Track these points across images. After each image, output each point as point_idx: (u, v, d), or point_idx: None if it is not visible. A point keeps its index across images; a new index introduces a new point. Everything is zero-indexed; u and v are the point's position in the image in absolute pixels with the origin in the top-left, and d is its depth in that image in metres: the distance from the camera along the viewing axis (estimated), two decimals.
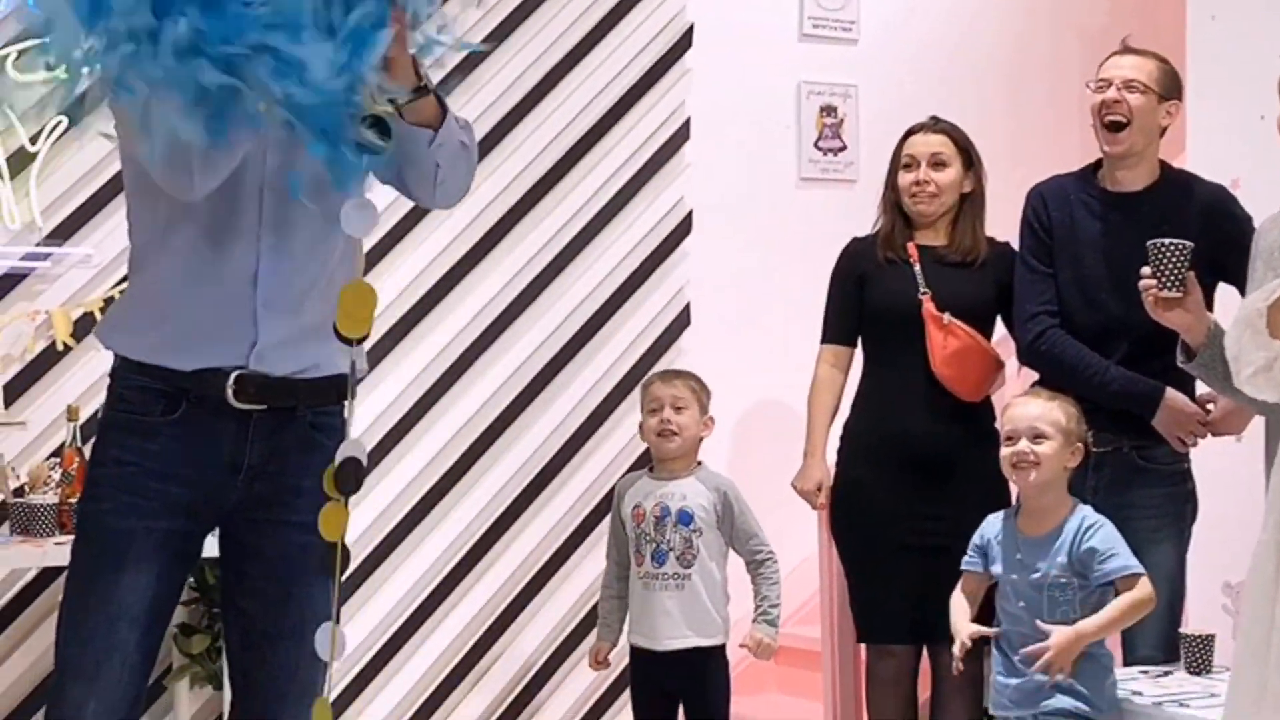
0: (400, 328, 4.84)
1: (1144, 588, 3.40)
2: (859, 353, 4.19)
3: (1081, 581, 3.43)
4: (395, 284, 4.79)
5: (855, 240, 4.21)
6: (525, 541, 5.01)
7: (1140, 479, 3.77)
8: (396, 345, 4.83)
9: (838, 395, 4.16)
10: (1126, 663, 3.80)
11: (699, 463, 4.09)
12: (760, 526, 4.06)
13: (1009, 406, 3.63)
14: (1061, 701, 3.40)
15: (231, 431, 2.57)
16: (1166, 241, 3.24)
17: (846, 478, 4.09)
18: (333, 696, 2.47)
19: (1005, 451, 3.53)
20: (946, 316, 3.96)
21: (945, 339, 3.97)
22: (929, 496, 3.93)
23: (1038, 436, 3.48)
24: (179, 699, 4.44)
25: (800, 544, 4.66)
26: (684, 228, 5.25)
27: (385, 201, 3.11)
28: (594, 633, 4.29)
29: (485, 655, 4.97)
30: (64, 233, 4.39)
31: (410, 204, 3.50)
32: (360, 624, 4.75)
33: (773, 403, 5.16)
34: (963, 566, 3.64)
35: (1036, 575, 3.46)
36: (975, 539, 3.63)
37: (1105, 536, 3.43)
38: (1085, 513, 3.48)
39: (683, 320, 5.24)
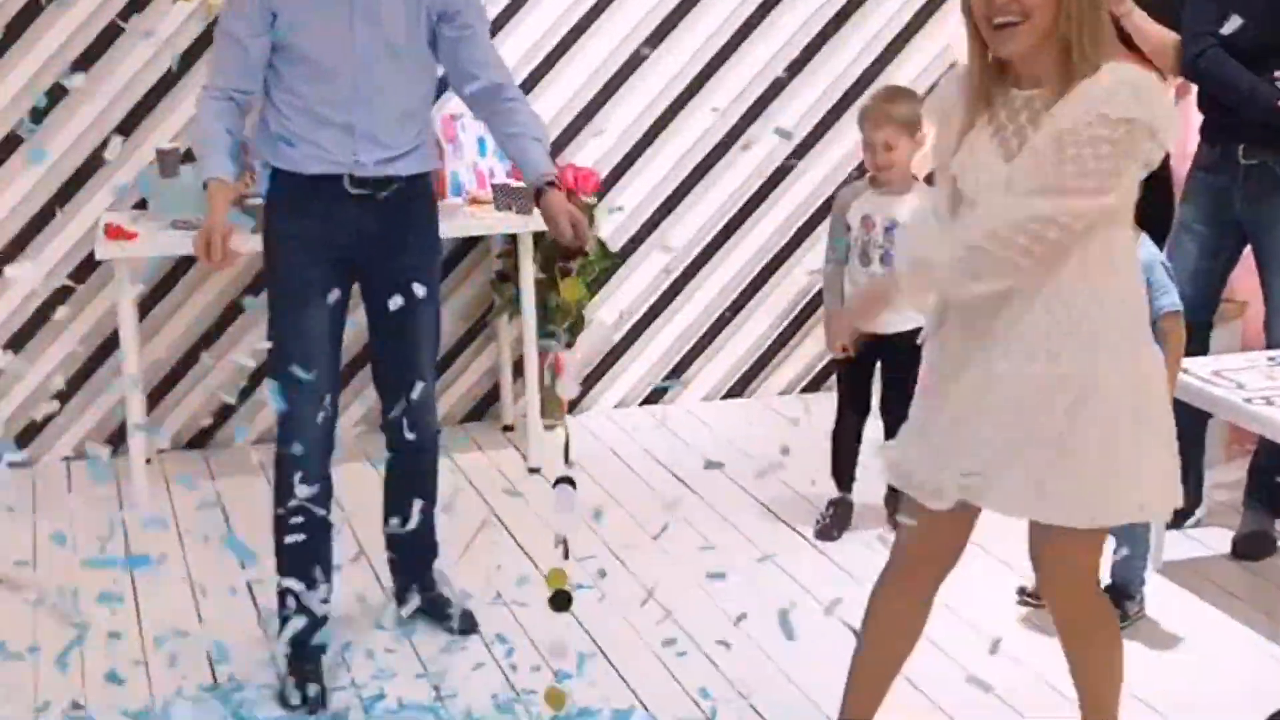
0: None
1: (1181, 325, 3.71)
2: None
3: None
4: None
5: None
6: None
7: None
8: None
9: None
10: (1268, 344, 4.30)
11: (915, 178, 4.56)
12: None
13: None
14: None
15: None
16: None
17: None
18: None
19: None
20: None
21: None
22: None
23: None
24: (500, 329, 5.58)
25: None
26: None
27: None
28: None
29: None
30: None
31: None
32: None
33: None
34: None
35: None
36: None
37: (1158, 275, 3.69)
38: (1145, 248, 3.68)
39: None
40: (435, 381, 3.91)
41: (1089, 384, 2.78)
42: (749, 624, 3.80)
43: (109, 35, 5.12)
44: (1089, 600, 3.05)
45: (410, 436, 3.72)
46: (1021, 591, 4.01)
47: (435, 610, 3.96)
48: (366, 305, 3.79)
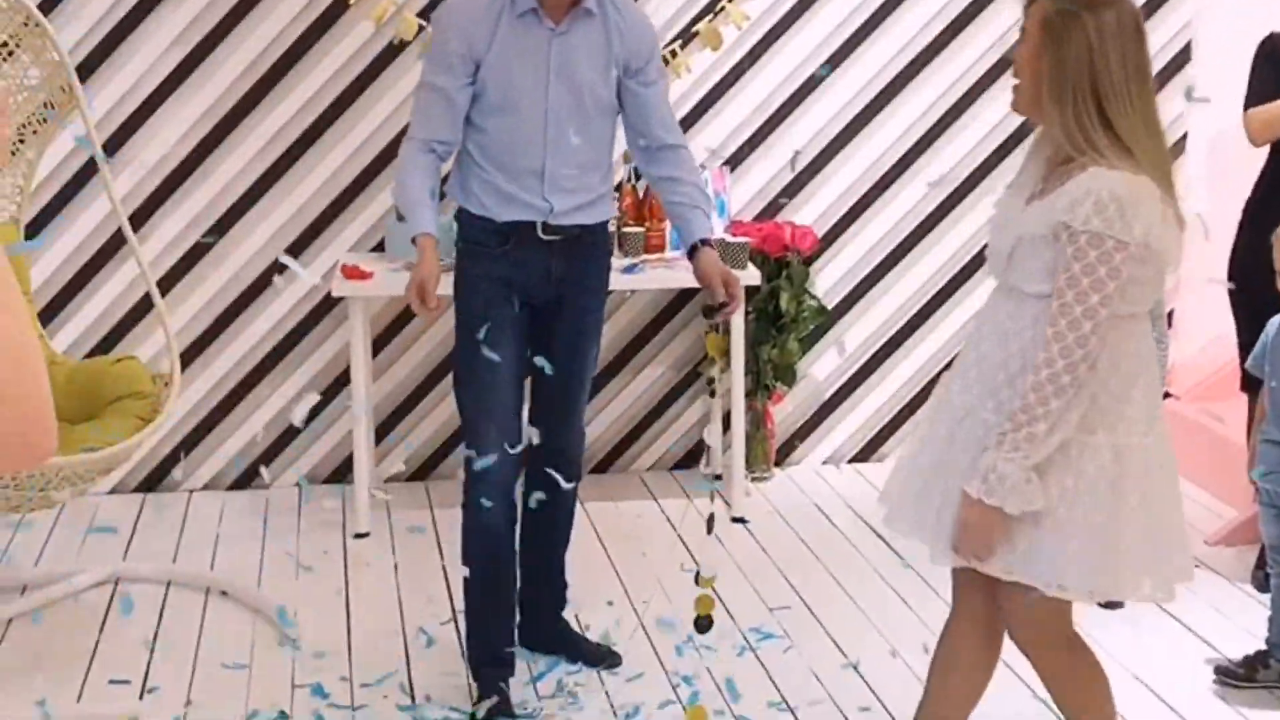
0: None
1: None
2: None
3: None
4: None
5: (1274, 34, 4.56)
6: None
7: None
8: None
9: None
10: None
11: None
12: None
13: None
14: None
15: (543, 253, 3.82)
16: None
17: (1244, 241, 4.54)
18: None
19: None
20: None
21: None
22: None
23: None
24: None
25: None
26: None
27: None
28: None
29: None
30: None
31: None
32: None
33: None
34: (1247, 366, 3.96)
35: None
36: (1261, 339, 3.88)
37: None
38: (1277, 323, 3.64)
39: None
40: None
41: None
42: None
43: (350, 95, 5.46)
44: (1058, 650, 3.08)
45: (558, 477, 3.85)
46: (1220, 671, 3.93)
47: (567, 647, 4.11)
48: (538, 344, 3.89)
